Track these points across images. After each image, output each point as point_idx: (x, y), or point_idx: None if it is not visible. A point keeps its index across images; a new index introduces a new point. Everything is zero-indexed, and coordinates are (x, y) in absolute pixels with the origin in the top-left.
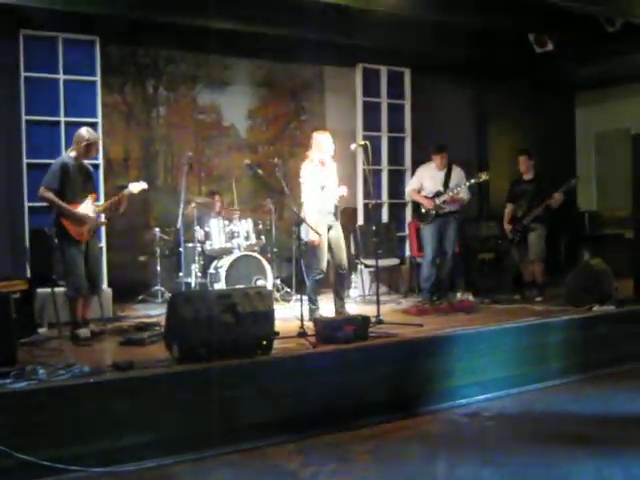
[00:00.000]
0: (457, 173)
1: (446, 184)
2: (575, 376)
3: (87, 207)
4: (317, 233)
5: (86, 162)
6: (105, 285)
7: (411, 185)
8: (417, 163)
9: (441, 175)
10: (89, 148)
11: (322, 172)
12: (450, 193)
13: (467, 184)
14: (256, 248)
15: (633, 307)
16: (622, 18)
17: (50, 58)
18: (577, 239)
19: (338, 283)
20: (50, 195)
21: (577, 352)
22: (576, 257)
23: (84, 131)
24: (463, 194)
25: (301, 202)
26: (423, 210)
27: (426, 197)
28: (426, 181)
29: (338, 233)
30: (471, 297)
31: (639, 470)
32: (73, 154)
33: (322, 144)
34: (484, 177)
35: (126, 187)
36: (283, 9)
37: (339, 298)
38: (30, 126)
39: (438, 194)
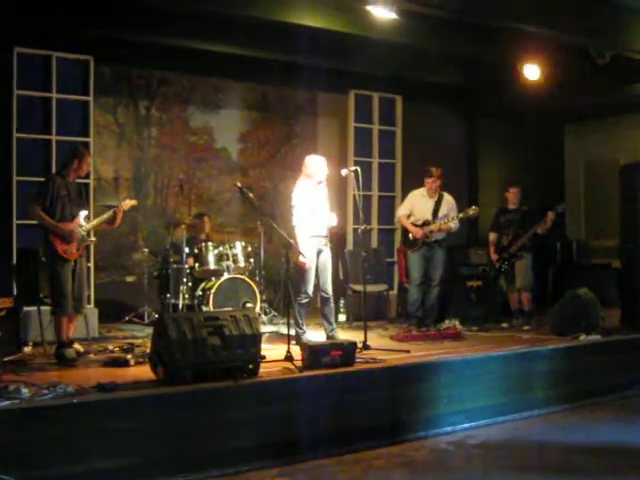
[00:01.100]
0: (447, 202)
1: (435, 213)
2: (561, 405)
3: (76, 225)
4: (304, 257)
5: (77, 180)
6: (91, 305)
7: (401, 210)
8: (407, 189)
9: (431, 203)
10: (80, 166)
11: (314, 196)
12: (438, 223)
13: (456, 217)
14: (245, 271)
15: (620, 337)
16: (611, 51)
17: (43, 76)
18: (565, 268)
19: (325, 308)
20: (39, 212)
21: (563, 381)
22: (564, 286)
23: (74, 149)
24: (451, 224)
25: (292, 225)
26: (411, 237)
27: (415, 225)
28: (416, 208)
29: (327, 257)
30: (458, 324)
31: None
32: (64, 172)
33: (314, 168)
34: (472, 212)
35: (116, 206)
36: (277, 34)
37: (328, 323)
38: (21, 144)
39: (426, 223)
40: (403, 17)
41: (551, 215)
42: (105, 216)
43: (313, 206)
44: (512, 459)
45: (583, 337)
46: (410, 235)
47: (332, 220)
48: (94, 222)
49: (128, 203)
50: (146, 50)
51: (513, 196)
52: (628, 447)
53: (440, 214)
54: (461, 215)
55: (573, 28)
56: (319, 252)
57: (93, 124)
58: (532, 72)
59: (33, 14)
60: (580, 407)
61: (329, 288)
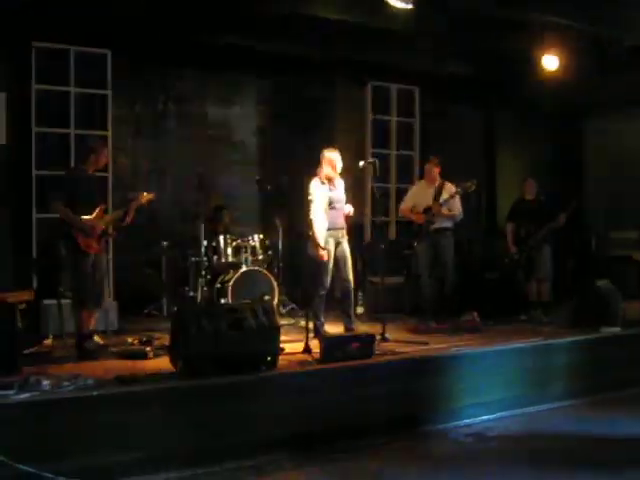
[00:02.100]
0: (448, 189)
1: (436, 199)
2: (580, 398)
3: (97, 219)
4: (323, 249)
5: (96, 174)
6: (111, 298)
7: (404, 203)
8: None
9: (431, 191)
10: (98, 159)
11: (331, 189)
12: (439, 206)
13: (456, 196)
14: (263, 263)
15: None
16: (629, 41)
17: (62, 70)
18: (584, 260)
19: (345, 300)
20: (60, 207)
21: (582, 374)
22: (583, 278)
23: (93, 142)
24: (454, 208)
25: (310, 219)
26: (414, 227)
27: (417, 213)
28: (417, 198)
29: (345, 250)
30: (476, 316)
31: None
32: (83, 166)
33: (331, 161)
34: (469, 185)
35: (135, 199)
36: (295, 26)
37: (346, 315)
38: (40, 137)
39: (428, 209)
40: (420, 7)
41: (562, 218)
42: (125, 209)
43: (330, 199)
44: (531, 451)
45: (603, 329)
46: (414, 225)
47: (348, 208)
48: (113, 215)
49: (145, 196)
50: (163, 44)
51: (530, 187)
52: None
53: (441, 200)
54: (460, 190)
55: (592, 18)
56: (337, 244)
57: (111, 118)
58: (550, 62)
59: (51, 6)
60: (599, 400)
61: (351, 279)
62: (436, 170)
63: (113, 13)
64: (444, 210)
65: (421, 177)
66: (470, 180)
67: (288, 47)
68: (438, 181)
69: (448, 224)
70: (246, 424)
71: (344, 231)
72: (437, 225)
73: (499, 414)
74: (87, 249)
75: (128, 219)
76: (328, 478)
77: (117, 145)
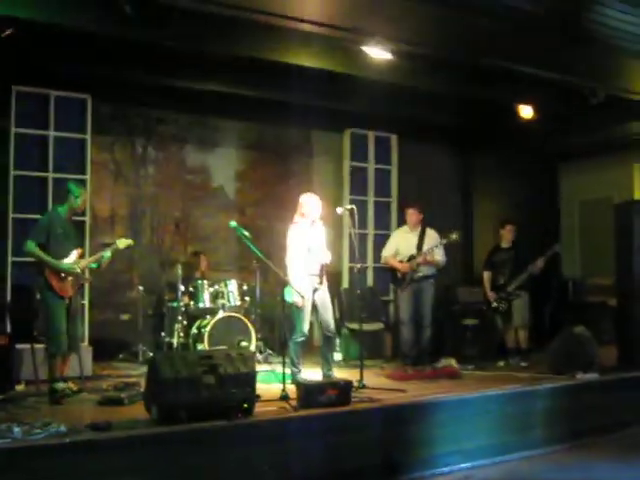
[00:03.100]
0: (431, 236)
1: (419, 247)
2: (559, 444)
3: (72, 262)
4: (301, 295)
5: (73, 218)
6: (86, 343)
7: (387, 250)
8: None
9: (414, 238)
10: (77, 203)
11: (308, 235)
12: (424, 255)
13: (439, 244)
14: (240, 309)
15: (617, 375)
16: (605, 91)
17: (41, 114)
18: (561, 306)
19: (325, 346)
20: (35, 249)
21: (561, 420)
22: (560, 324)
23: (72, 185)
24: (437, 256)
25: (285, 264)
26: (399, 275)
27: (401, 261)
28: (400, 245)
29: (324, 295)
30: (454, 363)
31: None
32: (60, 209)
33: (308, 206)
34: (454, 237)
35: (112, 244)
36: (273, 73)
37: (326, 361)
38: (18, 181)
39: (412, 258)
40: (397, 57)
41: (540, 263)
42: (98, 255)
43: (308, 245)
44: None
45: (580, 375)
46: (398, 273)
47: (326, 258)
48: (89, 259)
49: (124, 242)
50: (144, 89)
51: (509, 233)
52: None
53: (425, 247)
54: (444, 241)
55: (565, 69)
56: (315, 290)
57: (90, 162)
58: (526, 111)
59: (31, 53)
60: (579, 446)
61: (332, 327)
62: (418, 216)
63: (93, 58)
64: (429, 258)
65: (399, 223)
66: (454, 231)
67: (268, 94)
68: (419, 227)
69: (431, 272)
70: (223, 472)
71: (322, 278)
72: (421, 273)
73: (478, 462)
74: (61, 293)
75: (101, 268)
76: None
77: (96, 189)
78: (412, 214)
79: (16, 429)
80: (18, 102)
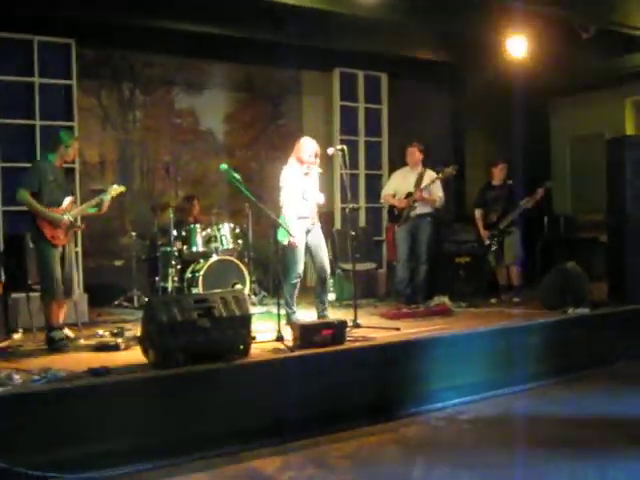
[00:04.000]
0: (429, 175)
1: (418, 185)
2: (550, 379)
3: (64, 211)
4: (293, 236)
5: (64, 165)
6: (80, 290)
7: (385, 189)
8: (393, 168)
9: (413, 177)
10: (67, 151)
11: (302, 177)
12: (420, 192)
13: (436, 181)
14: (233, 252)
15: (607, 310)
16: (596, 25)
17: (25, 61)
18: (552, 243)
19: (320, 287)
20: (28, 197)
21: (552, 355)
22: (551, 261)
23: (63, 134)
24: (435, 195)
25: (280, 206)
26: (396, 212)
27: (399, 199)
28: (399, 184)
29: (318, 236)
30: (447, 301)
31: (613, 471)
32: (51, 157)
33: (304, 149)
34: (450, 170)
35: (104, 191)
36: (261, 13)
37: (321, 302)
38: (5, 129)
39: (409, 195)
40: None
41: (541, 192)
42: (92, 202)
43: (302, 187)
44: (503, 433)
45: (571, 311)
46: (395, 210)
47: (320, 198)
48: (82, 207)
49: (116, 189)
50: (129, 32)
51: (500, 172)
52: (617, 418)
53: (422, 186)
54: (441, 175)
55: (557, 1)
56: (307, 232)
57: (77, 108)
58: (517, 47)
59: None
60: (569, 380)
61: (327, 267)
62: (419, 155)
63: (76, 0)
64: (425, 195)
65: (390, 163)
66: (451, 165)
67: (255, 34)
68: (420, 167)
69: (428, 209)
70: (221, 413)
71: (315, 219)
72: (418, 211)
73: (471, 397)
74: (54, 241)
75: (102, 211)
76: (306, 462)
77: (84, 136)
78: (412, 152)
79: (16, 376)
80: (1, 49)
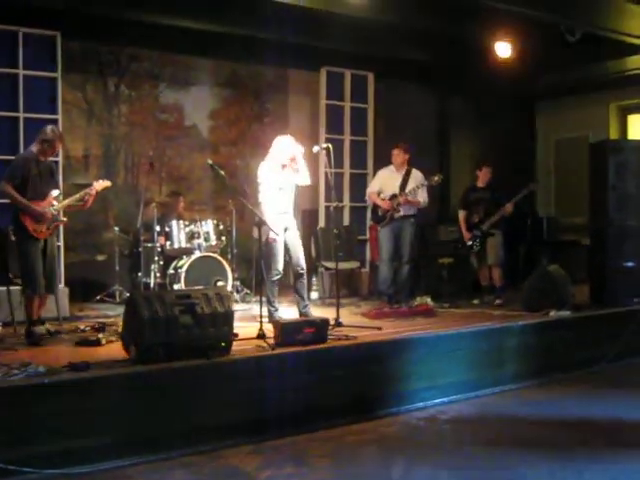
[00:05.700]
0: (415, 176)
1: (403, 187)
2: (531, 380)
3: (47, 204)
4: (275, 233)
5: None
6: (62, 284)
7: (371, 187)
8: (378, 167)
9: (399, 178)
10: (52, 145)
11: (280, 173)
12: (405, 195)
13: (421, 186)
14: (216, 249)
15: (589, 313)
16: (581, 29)
17: (10, 53)
18: (535, 245)
19: (298, 284)
20: (10, 190)
21: (534, 357)
22: (534, 262)
23: (48, 129)
24: (420, 197)
25: (258, 202)
26: (380, 212)
27: (383, 199)
28: (385, 183)
29: (294, 234)
30: (430, 301)
31: (591, 474)
32: (35, 150)
33: (280, 147)
34: (436, 179)
35: (88, 185)
36: (249, 10)
37: (301, 299)
38: None
39: (394, 196)
40: None
41: (509, 206)
42: (77, 196)
43: (280, 184)
44: (483, 434)
45: (553, 313)
46: (379, 210)
47: (305, 179)
48: (65, 202)
49: (101, 184)
50: (115, 26)
51: (485, 175)
52: (597, 420)
53: (408, 187)
54: (426, 183)
55: (543, 5)
56: (286, 229)
57: (61, 101)
58: (503, 50)
59: None
60: (550, 382)
61: (303, 263)
62: (404, 157)
63: None
64: (410, 198)
65: (375, 162)
66: (437, 173)
67: (242, 30)
68: (406, 167)
69: (412, 211)
70: (201, 410)
71: (291, 215)
72: (402, 212)
73: (452, 397)
74: (36, 234)
75: (86, 206)
76: (285, 460)
77: (68, 129)
78: (397, 155)
79: None
80: None
